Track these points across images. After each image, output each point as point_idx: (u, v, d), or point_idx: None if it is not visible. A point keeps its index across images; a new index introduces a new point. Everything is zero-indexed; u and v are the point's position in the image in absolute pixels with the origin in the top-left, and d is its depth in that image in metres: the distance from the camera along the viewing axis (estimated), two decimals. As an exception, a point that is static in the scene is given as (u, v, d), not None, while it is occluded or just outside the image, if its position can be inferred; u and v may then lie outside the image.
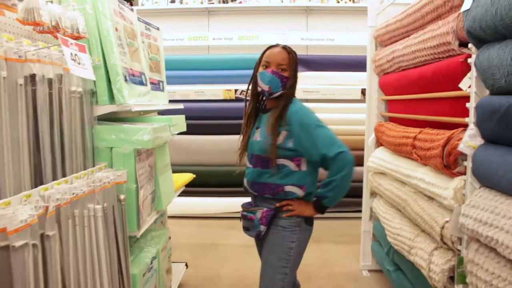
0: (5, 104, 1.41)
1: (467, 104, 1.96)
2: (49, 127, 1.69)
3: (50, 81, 1.69)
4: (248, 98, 2.24)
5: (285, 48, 2.14)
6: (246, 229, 2.21)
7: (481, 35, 1.80)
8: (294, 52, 2.16)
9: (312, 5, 5.71)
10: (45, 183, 1.65)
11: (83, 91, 1.97)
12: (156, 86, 2.89)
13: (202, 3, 5.68)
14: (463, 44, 2.08)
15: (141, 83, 2.49)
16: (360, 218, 3.96)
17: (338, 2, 5.65)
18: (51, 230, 1.42)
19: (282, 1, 5.70)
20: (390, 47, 3.13)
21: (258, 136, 2.14)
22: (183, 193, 3.51)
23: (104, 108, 2.14)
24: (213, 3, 5.67)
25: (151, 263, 2.48)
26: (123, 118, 2.65)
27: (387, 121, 3.45)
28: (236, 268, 3.84)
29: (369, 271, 3.80)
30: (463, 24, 1.90)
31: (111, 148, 2.15)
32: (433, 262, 2.26)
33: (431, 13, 2.42)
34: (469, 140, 1.90)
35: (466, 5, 1.86)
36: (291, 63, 2.12)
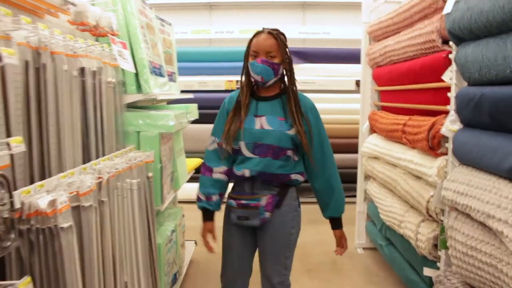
0: (66, 92, 1.71)
1: (448, 94, 2.29)
2: (93, 113, 1.99)
3: (93, 73, 1.98)
4: (242, 87, 2.12)
5: (271, 33, 2.02)
6: (244, 218, 2.08)
7: (460, 35, 2.11)
8: (282, 34, 2.06)
9: (309, 0, 6.01)
10: (91, 159, 1.95)
11: (116, 82, 2.26)
12: (170, 77, 3.19)
13: (204, -3, 5.98)
14: (445, 41, 2.40)
15: (160, 74, 2.78)
16: (354, 202, 4.28)
17: (334, -3, 5.96)
18: (105, 196, 1.72)
19: (280, -4, 6.01)
20: (382, 42, 3.45)
21: (264, 124, 2.03)
22: (190, 179, 3.81)
23: (132, 97, 2.43)
24: (215, -3, 5.97)
25: (171, 235, 2.80)
26: (139, 106, 2.94)
27: (380, 110, 3.78)
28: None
29: (363, 248, 4.13)
30: (445, 24, 2.21)
31: (139, 132, 2.45)
32: (420, 233, 2.60)
33: (419, 13, 2.73)
34: (450, 125, 2.22)
35: (448, 9, 2.17)
36: (280, 48, 2.01)
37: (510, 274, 1.64)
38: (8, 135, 1.36)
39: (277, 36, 2.01)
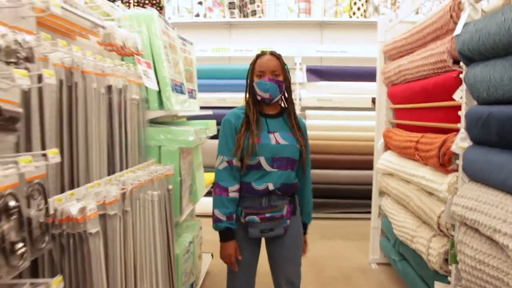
0: (94, 108, 1.83)
1: (459, 112, 2.36)
2: (119, 128, 2.11)
3: (119, 91, 2.11)
4: (249, 105, 2.24)
5: (273, 54, 2.21)
6: (268, 230, 2.19)
7: (469, 55, 2.19)
8: (281, 56, 2.23)
9: (327, 20, 6.13)
10: (116, 171, 2.07)
11: (139, 99, 2.39)
12: (190, 94, 3.32)
13: (224, 17, 6.13)
14: (456, 61, 2.48)
15: (181, 92, 2.91)
16: (369, 218, 4.34)
17: (351, 17, 6.06)
18: (128, 206, 1.83)
19: (298, 16, 6.14)
20: (397, 61, 3.54)
21: (278, 139, 2.18)
22: (207, 194, 3.91)
23: (154, 113, 2.56)
24: (234, 17, 6.12)
25: (189, 246, 2.90)
26: (160, 122, 3.07)
27: (394, 127, 3.85)
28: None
29: (377, 264, 4.17)
30: (456, 46, 2.30)
31: (160, 146, 2.58)
32: (431, 247, 2.64)
33: (432, 34, 2.82)
34: (460, 142, 2.29)
35: (458, 31, 2.26)
36: (282, 67, 2.19)
37: (516, 287, 1.70)
38: (43, 147, 1.48)
39: (279, 57, 2.21)
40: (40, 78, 1.28)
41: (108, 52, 2.29)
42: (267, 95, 2.17)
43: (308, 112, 5.94)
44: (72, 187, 1.71)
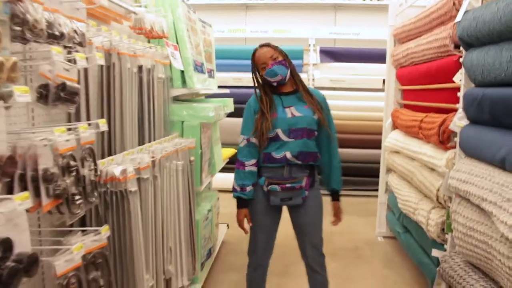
0: (127, 86, 2.08)
1: (458, 94, 2.56)
2: (148, 104, 2.36)
3: (148, 70, 2.35)
4: (261, 95, 2.47)
5: (264, 45, 2.48)
6: (288, 199, 2.42)
7: (468, 41, 2.38)
8: (270, 43, 2.49)
9: (340, 2, 6.28)
10: (145, 142, 2.33)
11: (165, 78, 2.63)
12: (209, 73, 3.55)
13: (240, -2, 6.32)
14: (457, 46, 2.66)
15: (202, 71, 3.14)
16: (376, 196, 4.58)
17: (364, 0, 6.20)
18: (157, 173, 2.09)
19: (313, -2, 6.29)
20: (405, 45, 3.71)
21: (294, 112, 2.40)
22: (224, 169, 4.14)
23: (178, 91, 2.80)
24: (251, -1, 6.31)
25: (208, 213, 3.16)
26: (182, 99, 3.31)
27: (402, 107, 4.04)
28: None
29: (384, 237, 4.42)
30: (456, 31, 2.48)
31: (182, 121, 2.82)
32: (431, 218, 2.87)
33: (437, 19, 3.00)
34: (458, 121, 2.49)
35: (458, 18, 2.44)
36: (277, 50, 2.44)
37: (498, 248, 1.92)
38: (88, 118, 1.73)
39: (269, 44, 2.48)
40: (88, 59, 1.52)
41: (137, 35, 2.52)
42: (279, 77, 2.41)
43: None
44: (109, 154, 1.97)
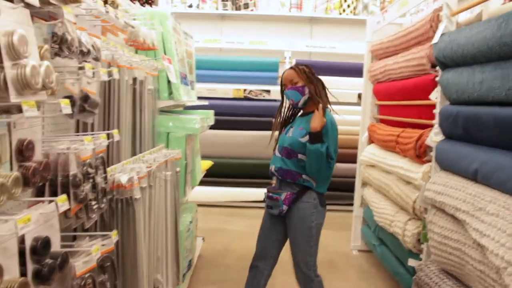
0: (123, 98, 2.27)
1: (434, 110, 2.87)
2: (140, 115, 2.55)
3: (141, 82, 2.55)
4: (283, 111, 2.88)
5: (292, 67, 2.77)
6: (270, 207, 2.75)
7: (444, 62, 2.69)
8: (304, 65, 2.77)
9: (317, 16, 6.62)
10: (137, 153, 2.51)
11: (153, 89, 2.82)
12: (191, 85, 3.76)
13: (217, 8, 6.55)
14: (434, 66, 2.97)
15: (186, 83, 3.35)
16: (351, 210, 4.87)
17: (341, 14, 6.55)
18: (152, 182, 2.28)
19: (289, 11, 6.60)
20: (382, 61, 4.03)
21: (290, 133, 2.72)
22: (201, 183, 4.27)
23: (165, 102, 3.00)
24: (227, 9, 6.55)
25: (189, 225, 3.35)
26: (164, 111, 3.49)
27: (378, 122, 4.35)
28: (242, 245, 4.67)
29: (359, 250, 4.69)
30: (433, 52, 2.79)
31: (168, 133, 3.01)
32: (407, 229, 3.16)
33: (415, 39, 3.32)
34: (434, 136, 2.79)
35: (435, 39, 2.75)
36: (300, 74, 2.70)
37: (471, 254, 2.20)
38: (92, 129, 1.92)
39: (296, 67, 2.76)
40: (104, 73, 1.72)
41: (128, 46, 2.72)
42: (291, 101, 2.75)
43: (295, 105, 6.34)
44: (108, 163, 2.14)
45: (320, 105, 2.61)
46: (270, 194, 2.73)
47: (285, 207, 2.68)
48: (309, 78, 2.73)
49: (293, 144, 2.67)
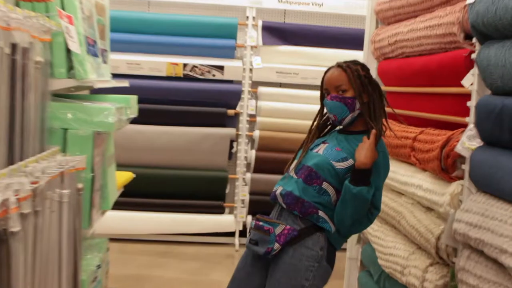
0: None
1: (468, 103, 2.90)
2: (21, 100, 2.46)
3: (24, 51, 2.46)
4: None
5: (340, 65, 2.83)
6: (254, 243, 2.75)
7: (484, 31, 2.72)
8: (358, 65, 2.87)
9: (295, -44, 6.61)
10: (15, 159, 2.42)
11: (43, 62, 2.74)
12: (103, 56, 3.67)
13: None
14: (469, 36, 3.01)
15: (94, 54, 3.27)
16: (344, 248, 4.85)
17: (330, -46, 6.57)
18: (40, 205, 2.20)
19: None
20: (393, 27, 4.06)
21: (320, 149, 2.82)
22: (114, 204, 4.16)
23: (61, 83, 2.90)
24: None
25: (97, 271, 3.27)
26: (60, 95, 3.40)
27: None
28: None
29: (355, 309, 4.71)
30: (468, 17, 2.82)
31: (65, 129, 2.92)
32: (427, 280, 3.18)
33: (441, -5, 3.35)
34: (467, 141, 2.81)
35: (471, -1, 2.79)
36: (351, 79, 2.77)
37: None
38: None
39: (347, 67, 2.80)
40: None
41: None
42: (332, 116, 2.83)
43: (261, 89, 6.33)
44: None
45: (374, 131, 2.65)
46: (260, 224, 2.74)
47: (276, 246, 2.67)
48: (363, 87, 2.79)
49: (321, 166, 2.73)
